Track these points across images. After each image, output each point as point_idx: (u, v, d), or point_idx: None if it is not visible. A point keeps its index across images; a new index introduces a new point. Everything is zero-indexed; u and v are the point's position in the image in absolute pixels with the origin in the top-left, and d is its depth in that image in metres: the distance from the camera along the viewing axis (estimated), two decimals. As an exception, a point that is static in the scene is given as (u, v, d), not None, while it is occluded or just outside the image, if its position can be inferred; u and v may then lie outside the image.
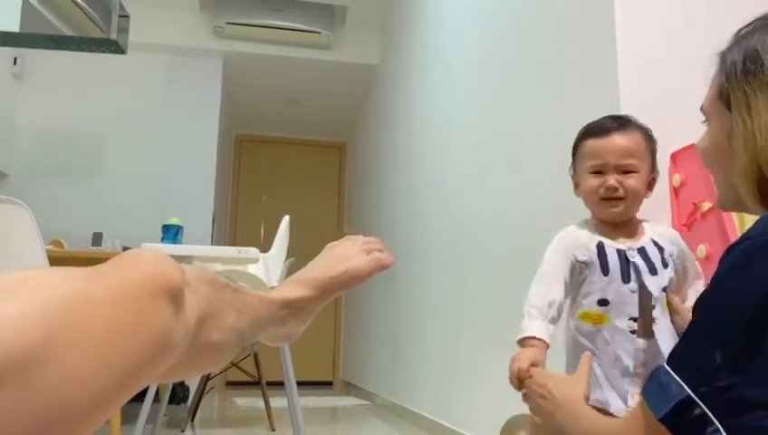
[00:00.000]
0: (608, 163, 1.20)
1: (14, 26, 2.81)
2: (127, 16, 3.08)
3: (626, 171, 1.19)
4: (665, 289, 1.18)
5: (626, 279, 1.17)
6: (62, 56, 3.67)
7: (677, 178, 1.62)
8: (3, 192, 1.90)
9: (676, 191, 1.63)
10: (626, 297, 1.16)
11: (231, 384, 5.44)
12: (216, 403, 4.57)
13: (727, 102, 0.71)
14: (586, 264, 1.19)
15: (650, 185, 1.24)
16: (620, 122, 1.23)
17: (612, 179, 1.19)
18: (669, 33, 1.76)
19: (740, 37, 0.75)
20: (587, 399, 0.94)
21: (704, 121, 0.76)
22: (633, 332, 1.15)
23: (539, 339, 1.13)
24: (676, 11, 1.77)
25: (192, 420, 3.29)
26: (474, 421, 2.49)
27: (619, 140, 1.20)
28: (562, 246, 1.22)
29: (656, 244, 1.20)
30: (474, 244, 2.66)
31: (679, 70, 1.74)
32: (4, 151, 3.96)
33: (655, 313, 1.15)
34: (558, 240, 1.24)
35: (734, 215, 1.51)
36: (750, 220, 1.51)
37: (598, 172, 1.21)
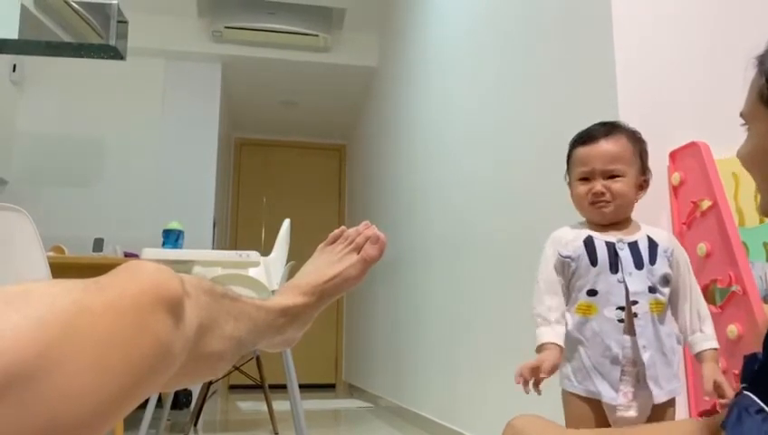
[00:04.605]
0: (594, 169, 1.24)
1: (12, 33, 2.82)
2: (125, 22, 3.08)
3: (612, 176, 1.23)
4: (653, 289, 1.19)
5: (614, 270, 1.20)
6: (61, 63, 3.68)
7: (677, 177, 1.62)
8: (3, 199, 1.91)
9: (675, 190, 1.63)
10: (613, 287, 1.20)
11: (234, 388, 5.44)
12: (219, 407, 4.56)
13: None
14: (571, 258, 1.23)
15: (642, 186, 1.27)
16: (607, 129, 1.28)
17: (599, 185, 1.23)
18: (667, 32, 1.76)
19: None
20: None
21: (743, 125, 0.75)
22: (621, 321, 1.18)
23: (553, 343, 1.18)
24: (675, 10, 1.77)
25: (195, 425, 3.29)
26: (477, 424, 2.49)
27: (604, 146, 1.25)
28: (550, 248, 1.27)
29: (650, 239, 1.23)
30: (475, 246, 2.66)
31: (677, 69, 1.74)
32: (4, 158, 3.96)
33: (636, 308, 1.18)
34: (547, 245, 1.29)
35: (735, 213, 1.51)
36: (750, 220, 1.51)
37: (585, 179, 1.26)
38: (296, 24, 4.43)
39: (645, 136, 1.58)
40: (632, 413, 1.17)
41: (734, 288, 1.41)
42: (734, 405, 0.63)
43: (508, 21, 2.46)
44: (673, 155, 1.65)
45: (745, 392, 0.62)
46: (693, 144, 1.59)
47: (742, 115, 0.75)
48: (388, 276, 4.04)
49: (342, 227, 0.89)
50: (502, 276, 2.35)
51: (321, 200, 6.19)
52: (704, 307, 1.24)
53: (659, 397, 1.17)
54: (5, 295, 0.36)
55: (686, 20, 1.77)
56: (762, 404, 0.59)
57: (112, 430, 2.17)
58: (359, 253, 0.82)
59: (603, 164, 1.23)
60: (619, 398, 1.17)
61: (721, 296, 1.46)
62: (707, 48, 1.76)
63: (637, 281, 1.19)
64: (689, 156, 1.60)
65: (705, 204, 1.53)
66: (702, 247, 1.50)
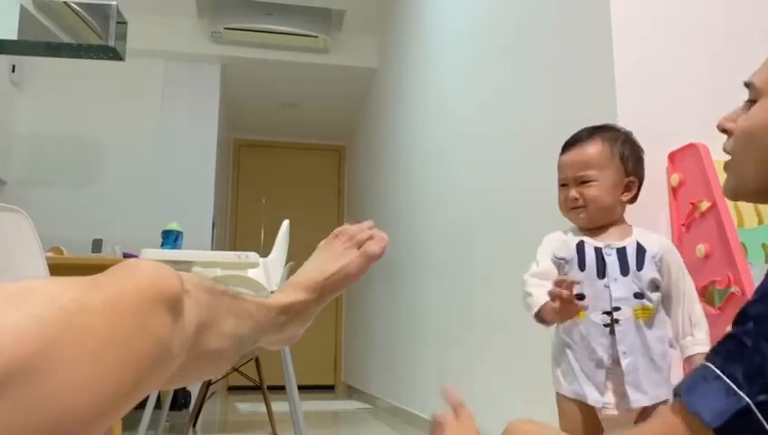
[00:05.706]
0: (568, 176, 1.29)
1: (11, 34, 2.82)
2: (124, 23, 3.08)
3: (584, 182, 1.26)
4: (640, 294, 1.20)
5: (600, 275, 1.22)
6: (61, 63, 3.67)
7: (676, 178, 1.62)
8: (2, 200, 1.90)
9: (674, 191, 1.63)
10: (600, 292, 1.21)
11: (233, 389, 5.44)
12: (218, 408, 4.56)
13: None
14: (565, 260, 1.26)
15: (629, 188, 1.28)
16: (587, 134, 1.31)
17: (573, 191, 1.27)
18: (666, 33, 1.76)
19: None
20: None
21: (749, 101, 0.72)
22: (606, 325, 1.20)
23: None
24: (674, 10, 1.77)
25: (194, 426, 3.29)
26: (476, 424, 2.49)
27: (575, 153, 1.29)
28: (547, 246, 1.31)
29: (639, 245, 1.24)
30: (473, 247, 2.66)
31: (677, 70, 1.74)
32: (3, 159, 3.95)
33: (618, 314, 1.19)
34: (544, 242, 1.32)
35: (734, 215, 1.51)
36: (749, 221, 1.51)
37: (564, 185, 1.30)
38: (296, 25, 4.43)
39: (644, 137, 1.58)
40: (617, 412, 1.18)
41: (732, 289, 1.41)
42: (691, 373, 0.64)
43: (508, 22, 2.46)
44: (672, 156, 1.65)
45: (705, 363, 0.62)
46: (692, 145, 1.59)
47: (750, 86, 0.72)
48: (386, 277, 4.04)
49: (345, 225, 0.88)
50: (500, 277, 2.35)
51: (320, 201, 6.19)
52: (696, 312, 1.24)
53: (640, 402, 1.17)
54: (4, 293, 0.36)
55: (685, 20, 1.77)
56: (718, 371, 0.59)
57: (110, 430, 2.17)
58: (359, 249, 0.82)
59: (574, 171, 1.27)
60: (607, 396, 1.18)
61: (720, 298, 1.46)
62: (707, 49, 1.76)
63: (621, 287, 1.20)
64: (688, 157, 1.60)
65: (704, 205, 1.53)
66: (701, 249, 1.50)
